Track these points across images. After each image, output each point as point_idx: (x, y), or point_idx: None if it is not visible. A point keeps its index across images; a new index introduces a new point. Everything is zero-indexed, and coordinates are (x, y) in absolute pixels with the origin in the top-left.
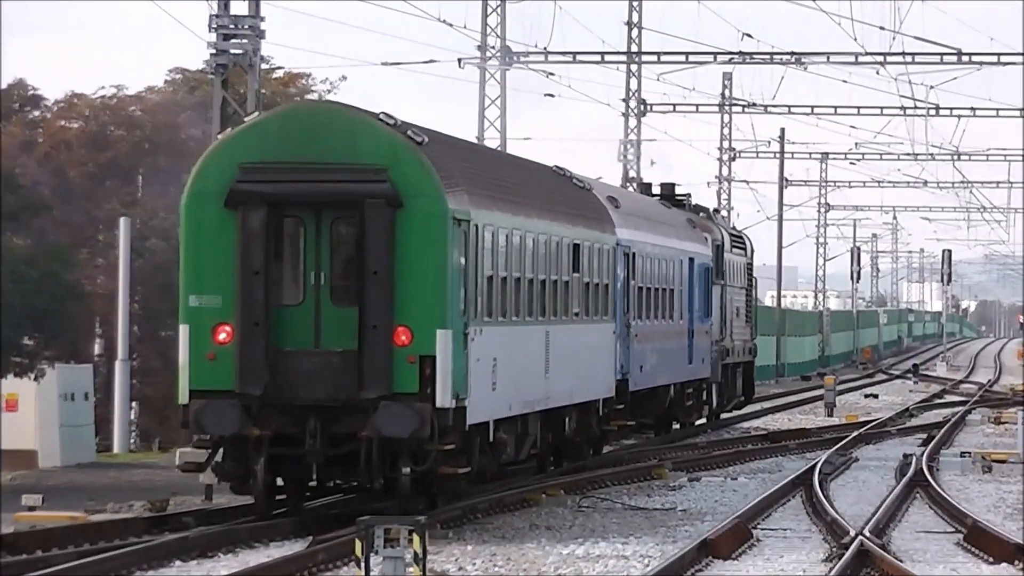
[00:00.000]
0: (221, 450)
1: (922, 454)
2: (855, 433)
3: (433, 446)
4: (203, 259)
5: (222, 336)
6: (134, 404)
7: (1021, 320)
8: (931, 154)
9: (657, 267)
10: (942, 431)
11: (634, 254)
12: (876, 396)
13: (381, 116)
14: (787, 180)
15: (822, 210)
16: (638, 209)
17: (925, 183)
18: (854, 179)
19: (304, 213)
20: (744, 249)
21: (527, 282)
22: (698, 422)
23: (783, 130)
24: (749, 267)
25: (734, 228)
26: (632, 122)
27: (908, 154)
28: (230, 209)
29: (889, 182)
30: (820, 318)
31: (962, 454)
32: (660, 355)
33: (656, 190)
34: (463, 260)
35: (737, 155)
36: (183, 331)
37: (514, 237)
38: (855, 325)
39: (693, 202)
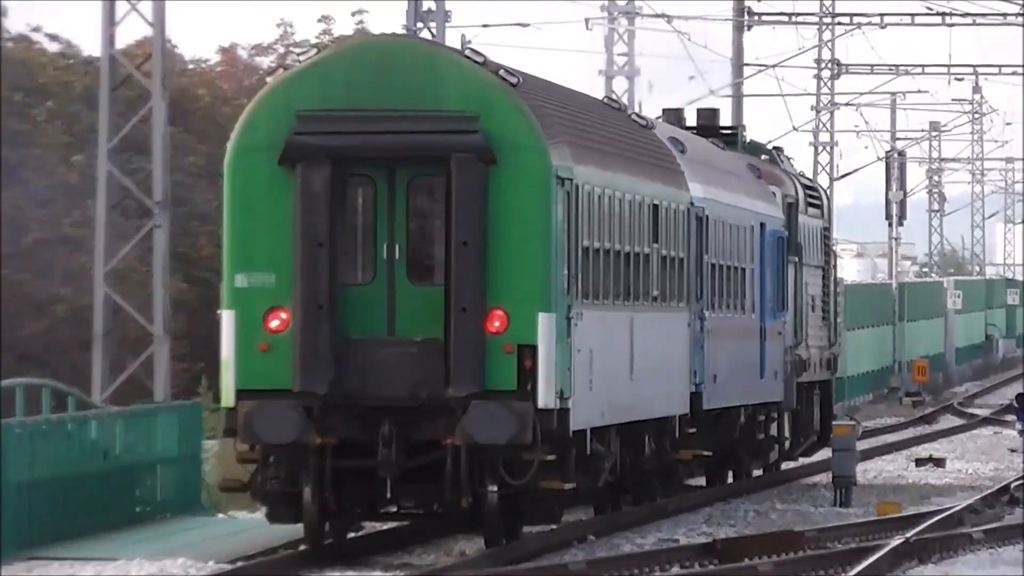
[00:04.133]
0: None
1: None
2: (895, 542)
3: (534, 455)
4: (253, 229)
5: (275, 323)
6: None
7: None
8: None
9: (728, 236)
10: None
11: (707, 217)
12: (941, 461)
13: (467, 52)
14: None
15: (825, 74)
16: (704, 155)
17: None
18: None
19: (376, 171)
20: (820, 208)
21: (614, 255)
22: (756, 472)
23: None
24: (826, 233)
25: (802, 174)
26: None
27: None
28: (286, 167)
29: (966, 14)
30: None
31: None
32: (732, 362)
33: (688, 118)
34: (567, 227)
35: None
36: (227, 317)
37: (605, 198)
38: (895, 314)
39: (748, 138)
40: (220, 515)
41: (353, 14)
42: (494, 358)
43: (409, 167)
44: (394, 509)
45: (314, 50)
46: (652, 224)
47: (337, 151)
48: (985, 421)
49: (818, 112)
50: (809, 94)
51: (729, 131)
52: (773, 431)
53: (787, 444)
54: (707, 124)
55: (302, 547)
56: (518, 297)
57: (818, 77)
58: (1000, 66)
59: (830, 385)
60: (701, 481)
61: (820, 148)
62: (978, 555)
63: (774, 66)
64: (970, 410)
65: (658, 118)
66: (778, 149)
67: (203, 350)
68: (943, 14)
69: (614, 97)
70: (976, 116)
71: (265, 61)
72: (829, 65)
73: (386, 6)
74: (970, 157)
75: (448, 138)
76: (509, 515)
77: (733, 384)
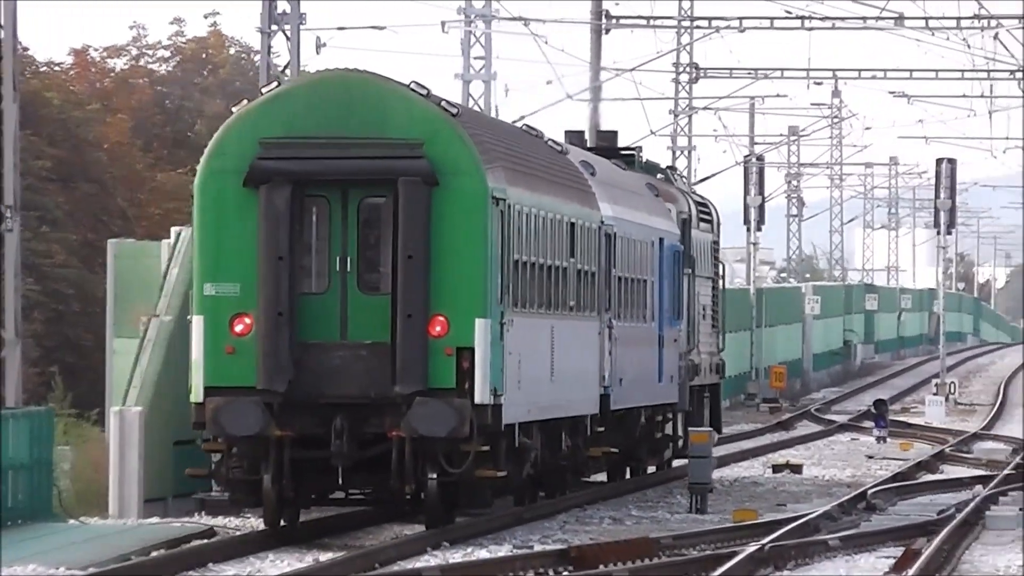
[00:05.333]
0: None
1: None
2: (751, 549)
3: (471, 447)
4: (220, 243)
5: (240, 328)
6: None
7: None
8: None
9: (632, 251)
10: (935, 542)
11: (615, 234)
12: (798, 468)
13: (413, 86)
14: None
15: (684, 78)
16: (610, 177)
17: (899, 18)
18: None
19: (331, 192)
20: (711, 222)
21: (539, 268)
22: (651, 468)
23: None
24: (715, 247)
25: (694, 191)
26: None
27: None
28: (251, 188)
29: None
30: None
31: None
32: (635, 367)
33: (584, 138)
34: (500, 243)
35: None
36: (197, 322)
37: (532, 217)
38: (753, 320)
39: (644, 158)
40: (72, 521)
41: (206, 16)
42: (436, 359)
43: (361, 188)
44: (343, 496)
45: (276, 83)
46: (570, 241)
47: (296, 174)
48: (843, 427)
49: (676, 116)
50: (667, 98)
51: (627, 152)
52: (669, 430)
53: (680, 443)
54: (607, 145)
55: (154, 554)
56: (458, 305)
57: (676, 81)
58: (859, 70)
59: (719, 388)
60: (602, 477)
61: (678, 152)
62: (834, 562)
63: (632, 70)
64: (828, 416)
65: (578, 137)
66: (671, 168)
67: (56, 355)
68: (802, 18)
69: (531, 126)
70: (835, 120)
71: (119, 63)
72: (687, 69)
73: (240, 7)
74: (829, 162)
75: (396, 163)
76: (447, 501)
77: (636, 387)
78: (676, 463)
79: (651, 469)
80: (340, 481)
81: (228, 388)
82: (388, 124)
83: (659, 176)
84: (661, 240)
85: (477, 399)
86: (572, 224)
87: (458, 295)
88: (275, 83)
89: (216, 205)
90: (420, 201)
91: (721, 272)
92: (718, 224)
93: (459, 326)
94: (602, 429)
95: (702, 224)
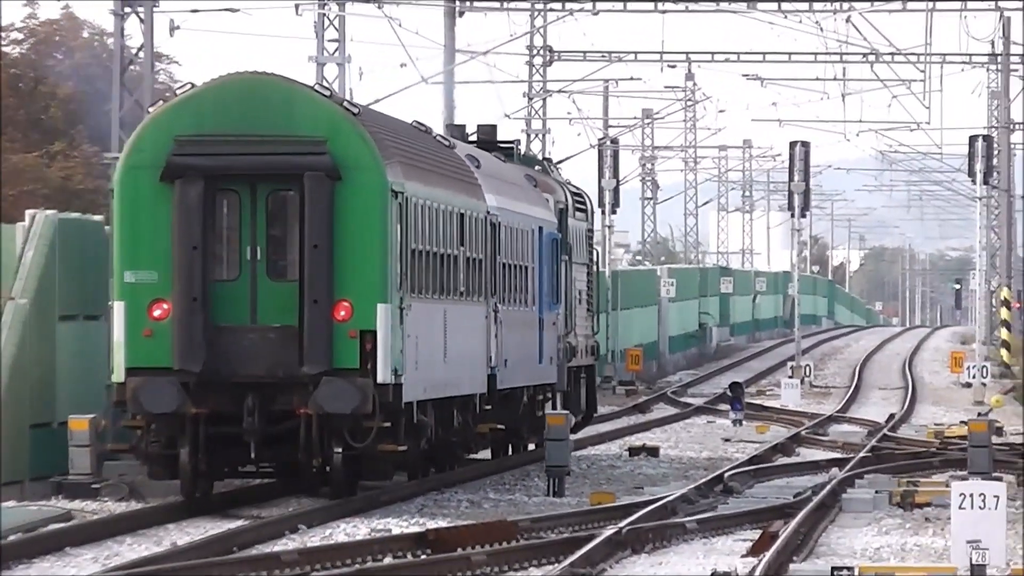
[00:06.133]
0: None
1: None
2: (608, 532)
3: (374, 423)
4: (139, 234)
5: (158, 313)
6: None
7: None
8: None
9: (515, 239)
10: (792, 524)
11: (500, 224)
12: (655, 451)
13: (317, 87)
14: None
15: (537, 61)
16: (494, 169)
17: (752, 0)
18: None
19: (241, 186)
20: (585, 211)
21: (433, 256)
22: (531, 446)
23: None
24: (590, 235)
25: (570, 182)
26: None
27: None
28: (166, 182)
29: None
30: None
31: (835, 572)
32: (519, 349)
33: (466, 132)
34: (399, 233)
35: None
36: (118, 308)
37: (426, 209)
38: (608, 303)
39: (522, 151)
40: None
41: None
42: (340, 342)
43: (268, 183)
44: (254, 469)
45: (190, 84)
46: (459, 230)
47: (209, 169)
48: (699, 410)
49: (530, 99)
50: (521, 81)
51: (506, 145)
52: (548, 409)
53: (572, 419)
54: (487, 139)
55: (11, 537)
56: (360, 291)
57: (530, 64)
58: (713, 53)
59: (594, 369)
60: (487, 455)
61: (532, 136)
62: (692, 545)
63: (486, 52)
64: (684, 399)
65: (460, 131)
66: (548, 160)
67: None
68: (655, 0)
69: (421, 122)
70: (689, 104)
71: None
72: (541, 52)
73: None
74: (683, 145)
75: (301, 159)
76: (350, 473)
77: (519, 368)
78: (531, 447)
79: (531, 447)
80: (252, 455)
81: (147, 369)
82: (294, 122)
83: (536, 168)
84: (541, 229)
85: (380, 379)
86: (462, 215)
87: (361, 282)
88: (189, 84)
89: (134, 198)
90: (324, 194)
91: (595, 258)
92: (592, 213)
93: (362, 311)
94: (489, 407)
95: (577, 213)
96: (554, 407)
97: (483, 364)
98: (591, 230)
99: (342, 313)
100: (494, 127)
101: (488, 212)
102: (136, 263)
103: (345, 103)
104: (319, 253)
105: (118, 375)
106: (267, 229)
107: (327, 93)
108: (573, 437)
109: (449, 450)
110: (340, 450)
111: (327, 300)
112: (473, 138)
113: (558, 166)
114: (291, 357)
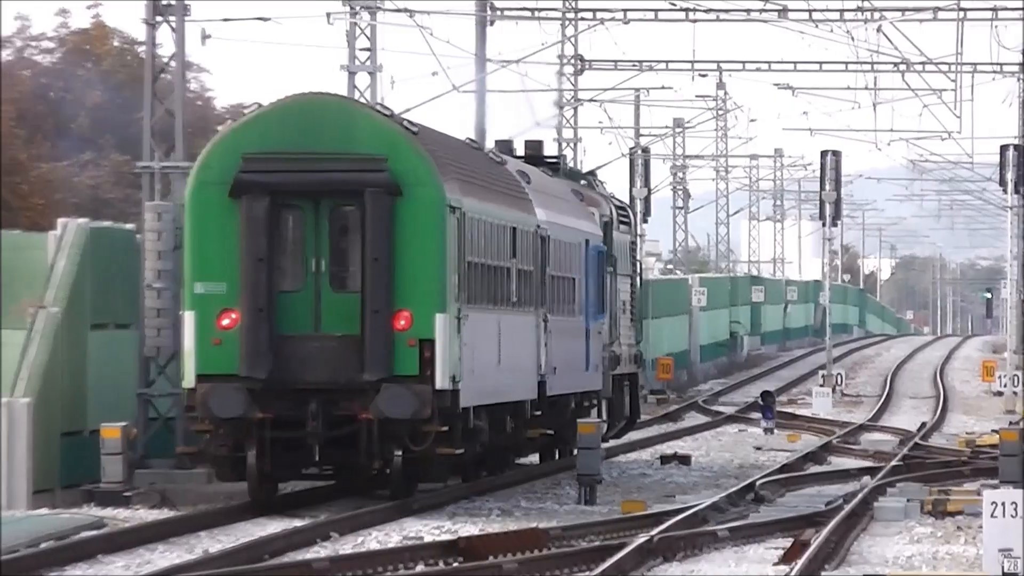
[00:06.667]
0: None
1: None
2: (639, 540)
3: (432, 427)
4: (208, 247)
5: (226, 322)
6: None
7: None
8: None
9: (563, 252)
10: (823, 533)
11: (549, 237)
12: (686, 459)
13: (378, 107)
14: None
15: (568, 70)
16: (543, 185)
17: (783, 10)
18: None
19: (305, 202)
20: (629, 224)
21: (487, 268)
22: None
23: None
24: (634, 247)
25: (614, 196)
26: None
27: None
28: (234, 198)
29: (709, 10)
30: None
31: None
32: (566, 357)
33: (512, 146)
34: (456, 246)
35: None
36: (189, 317)
37: (481, 223)
38: (640, 311)
39: (568, 166)
40: None
41: (89, 7)
42: (400, 350)
43: (331, 198)
44: (316, 471)
45: (257, 104)
46: (512, 244)
47: (274, 186)
48: (730, 419)
49: (561, 108)
50: (552, 90)
51: (553, 160)
52: (594, 416)
53: (604, 427)
54: (533, 154)
55: (43, 545)
56: (419, 301)
57: (561, 73)
58: (744, 62)
59: (637, 377)
60: (535, 459)
61: (564, 144)
62: (723, 553)
63: (517, 61)
64: (715, 408)
65: (507, 146)
66: (592, 173)
67: None
68: (687, 10)
69: (473, 139)
70: (720, 113)
71: (3, 54)
72: (572, 61)
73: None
74: (714, 154)
75: (362, 175)
76: (409, 476)
77: (567, 375)
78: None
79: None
80: (315, 458)
81: (215, 375)
82: (355, 141)
83: (582, 182)
84: (587, 241)
85: (438, 385)
86: (514, 229)
87: (420, 293)
88: (256, 104)
89: (204, 213)
90: (384, 210)
91: (638, 270)
92: (635, 226)
93: (421, 320)
94: (539, 413)
95: (621, 226)
96: (599, 414)
97: (533, 371)
98: (634, 242)
99: (402, 323)
100: (540, 142)
101: (538, 226)
102: (205, 275)
103: (405, 122)
104: (379, 265)
105: (188, 381)
106: (330, 242)
107: (387, 113)
108: (616, 442)
109: (500, 454)
110: (399, 453)
111: (387, 310)
112: (520, 153)
113: (602, 182)
114: (353, 364)
